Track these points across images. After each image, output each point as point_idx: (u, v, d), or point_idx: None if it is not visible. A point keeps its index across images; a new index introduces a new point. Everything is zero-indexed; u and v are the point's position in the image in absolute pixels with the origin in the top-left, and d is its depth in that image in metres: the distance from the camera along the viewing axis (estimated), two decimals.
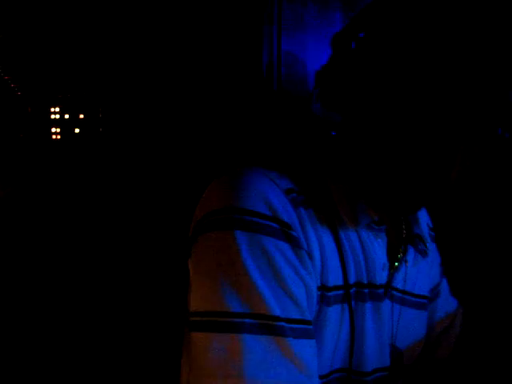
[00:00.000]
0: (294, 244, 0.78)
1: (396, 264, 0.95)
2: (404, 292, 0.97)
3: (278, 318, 0.74)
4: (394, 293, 0.96)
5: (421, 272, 1.01)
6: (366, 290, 0.87)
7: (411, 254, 0.95)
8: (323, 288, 0.82)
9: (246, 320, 0.74)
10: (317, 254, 0.82)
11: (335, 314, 0.83)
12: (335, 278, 0.83)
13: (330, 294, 0.83)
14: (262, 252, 0.76)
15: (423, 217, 1.00)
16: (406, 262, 0.95)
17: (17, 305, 2.78)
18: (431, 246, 1.06)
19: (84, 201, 4.63)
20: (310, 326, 0.79)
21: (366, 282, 0.88)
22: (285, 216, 0.78)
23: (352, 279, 0.86)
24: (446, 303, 1.12)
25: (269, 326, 0.73)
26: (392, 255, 0.96)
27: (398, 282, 0.94)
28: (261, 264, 0.75)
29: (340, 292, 0.84)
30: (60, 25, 6.32)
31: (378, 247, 0.88)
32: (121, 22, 5.09)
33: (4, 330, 2.46)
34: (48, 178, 6.14)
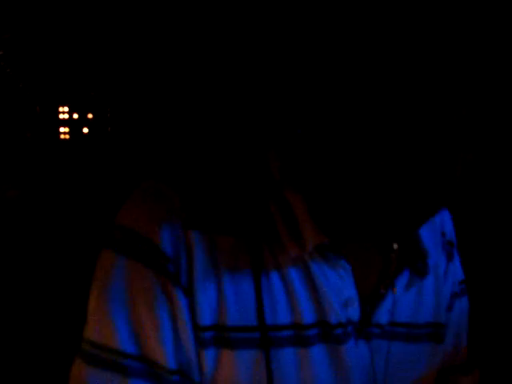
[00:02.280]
0: (166, 278, 0.66)
1: (377, 297, 0.78)
2: (395, 324, 0.78)
3: (127, 355, 0.65)
4: (374, 330, 0.75)
5: (422, 295, 0.82)
6: (312, 332, 0.71)
7: (404, 277, 0.77)
8: (219, 328, 0.68)
9: (93, 350, 0.67)
10: (207, 290, 0.67)
11: (245, 361, 0.68)
12: (244, 318, 0.69)
13: (234, 335, 0.68)
14: (128, 280, 0.68)
15: (433, 224, 0.83)
16: (393, 289, 0.75)
17: (24, 304, 2.77)
18: (440, 259, 0.87)
19: (92, 200, 4.62)
20: (176, 377, 0.67)
21: (310, 322, 0.70)
22: (167, 247, 0.65)
23: (281, 320, 0.69)
24: (449, 343, 0.90)
25: (114, 362, 0.65)
26: (368, 286, 0.76)
27: (381, 317, 0.76)
28: (123, 293, 0.67)
29: (252, 335, 0.69)
30: (69, 25, 6.32)
31: (334, 280, 0.71)
32: (130, 24, 5.08)
33: (6, 329, 2.45)
34: (57, 178, 6.15)
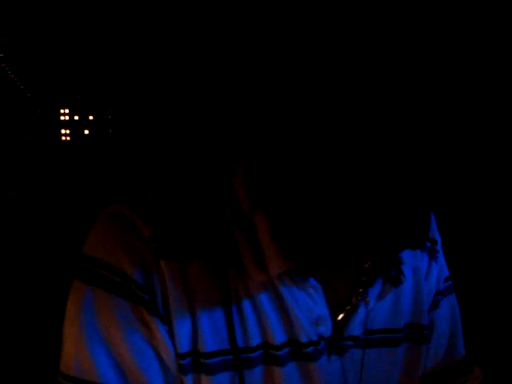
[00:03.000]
0: (139, 306, 0.65)
1: (349, 310, 0.76)
2: (369, 332, 0.77)
3: None
4: (348, 343, 0.74)
5: (399, 301, 0.80)
6: (284, 351, 0.71)
7: (377, 287, 0.75)
8: (196, 354, 0.68)
9: None
10: (181, 317, 0.67)
11: (223, 383, 0.69)
12: (217, 343, 0.69)
13: (209, 361, 0.69)
14: (100, 310, 0.67)
15: None
16: (365, 301, 0.74)
17: (24, 304, 2.79)
18: (420, 261, 0.84)
19: (93, 201, 4.64)
20: None
21: (281, 342, 0.70)
22: (137, 274, 0.65)
23: (252, 341, 0.69)
24: (441, 343, 0.93)
25: None
26: (340, 299, 0.75)
27: (354, 329, 0.75)
28: (98, 325, 0.66)
29: (226, 358, 0.69)
30: (70, 28, 6.33)
31: (304, 300, 0.71)
32: (130, 26, 5.09)
33: (6, 329, 2.47)
34: (58, 179, 6.16)
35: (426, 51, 0.60)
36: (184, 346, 0.66)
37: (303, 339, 0.70)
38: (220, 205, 0.70)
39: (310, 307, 0.70)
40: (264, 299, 0.68)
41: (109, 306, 0.64)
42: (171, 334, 0.65)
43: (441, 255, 0.87)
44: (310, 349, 0.71)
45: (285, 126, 0.61)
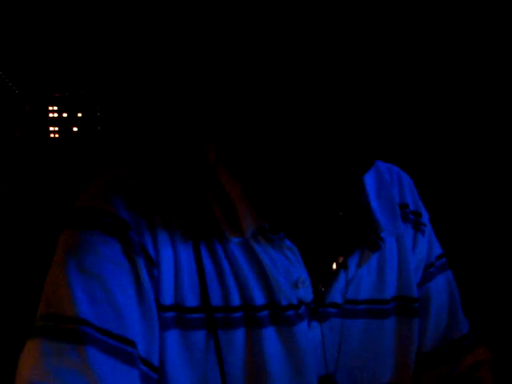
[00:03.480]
0: (127, 245, 0.65)
1: (329, 277, 0.75)
2: (355, 302, 0.77)
3: (85, 322, 0.61)
4: (330, 310, 0.74)
5: (384, 270, 0.80)
6: (263, 313, 0.70)
7: (355, 255, 0.75)
8: (178, 308, 0.68)
9: (48, 323, 0.63)
10: (167, 267, 0.67)
11: (203, 342, 0.68)
12: (196, 299, 0.69)
13: (190, 316, 0.68)
14: (86, 249, 0.65)
15: (387, 197, 0.80)
16: (345, 268, 0.74)
17: (16, 305, 2.78)
18: (403, 231, 0.81)
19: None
20: (132, 350, 0.64)
21: (260, 303, 0.70)
22: (125, 214, 0.66)
23: (232, 301, 0.69)
24: (441, 318, 0.87)
25: (70, 330, 0.61)
26: (320, 266, 0.75)
27: (335, 296, 0.75)
28: (82, 261, 0.64)
29: (200, 315, 0.69)
30: (58, 24, 6.30)
31: (281, 261, 0.71)
32: (119, 22, 5.07)
33: (3, 330, 2.46)
34: (46, 177, 6.13)
35: (418, 49, 0.61)
36: (168, 297, 0.67)
37: (283, 302, 0.70)
38: (195, 173, 0.72)
39: (287, 268, 0.70)
40: (242, 260, 0.69)
41: (96, 244, 0.65)
42: (157, 282, 0.66)
43: (429, 230, 0.87)
44: (290, 312, 0.71)
45: (252, 103, 0.63)
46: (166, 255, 0.69)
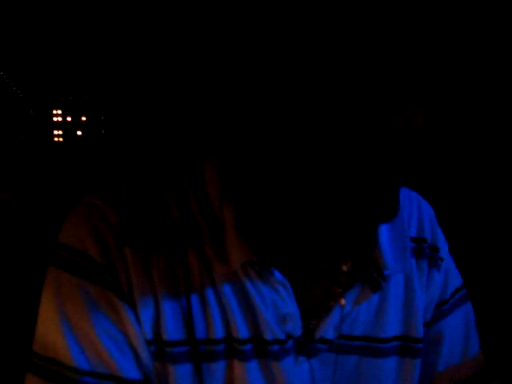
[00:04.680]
0: (107, 289, 0.66)
1: (323, 311, 0.73)
2: (349, 338, 0.75)
3: (79, 372, 0.64)
4: (319, 346, 0.71)
5: (385, 308, 0.76)
6: (247, 347, 0.69)
7: (354, 291, 0.72)
8: (159, 342, 0.68)
9: (50, 366, 0.66)
10: (145, 304, 0.67)
11: (185, 375, 0.68)
12: (178, 333, 0.69)
13: (172, 349, 0.68)
14: (69, 295, 0.66)
15: (398, 231, 0.75)
16: (341, 304, 0.71)
17: (14, 308, 2.78)
18: (412, 269, 0.78)
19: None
20: None
21: (245, 337, 0.68)
22: (101, 256, 0.66)
23: (216, 334, 0.68)
24: (454, 353, 0.83)
25: (67, 378, 0.64)
26: (313, 299, 0.72)
27: (327, 332, 0.72)
28: (67, 308, 0.66)
29: (185, 348, 0.69)
30: (62, 28, 6.31)
31: (270, 296, 0.69)
32: (123, 26, 5.07)
33: (4, 331, 2.45)
34: (50, 181, 6.13)
35: (423, 50, 0.57)
36: (149, 332, 0.67)
37: (268, 336, 0.68)
38: (188, 196, 0.70)
39: (276, 303, 0.68)
40: (228, 291, 0.67)
41: (78, 290, 0.66)
42: (138, 319, 0.66)
43: (446, 264, 0.82)
44: (275, 347, 0.69)
45: (254, 124, 0.59)
46: (143, 293, 0.67)
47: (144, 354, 0.67)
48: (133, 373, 0.66)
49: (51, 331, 0.66)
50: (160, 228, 0.69)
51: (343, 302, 0.71)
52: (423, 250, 0.80)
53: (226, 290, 0.68)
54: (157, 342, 0.67)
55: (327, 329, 0.71)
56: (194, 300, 0.68)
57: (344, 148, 0.54)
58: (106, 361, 0.65)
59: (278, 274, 0.67)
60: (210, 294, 0.68)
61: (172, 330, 0.67)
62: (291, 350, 0.70)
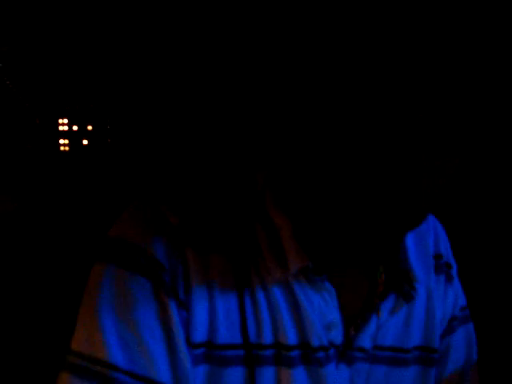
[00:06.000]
0: (158, 287, 0.66)
1: (361, 321, 0.77)
2: (379, 348, 0.79)
3: (115, 368, 0.63)
4: (357, 354, 0.76)
5: (411, 319, 0.83)
6: (294, 353, 0.72)
7: (390, 302, 0.78)
8: (209, 345, 0.69)
9: (80, 361, 0.65)
10: (200, 306, 0.66)
11: (235, 378, 0.70)
12: (231, 336, 0.70)
13: (223, 353, 0.69)
14: (118, 289, 0.66)
15: (423, 247, 0.82)
16: (377, 314, 0.77)
17: (22, 317, 2.76)
18: (433, 283, 0.84)
19: (92, 212, 4.61)
20: None
21: (292, 343, 0.70)
22: (160, 254, 0.64)
23: (265, 339, 0.69)
24: (457, 370, 0.91)
25: (102, 374, 0.63)
26: (353, 310, 0.77)
27: (365, 341, 0.78)
28: (114, 302, 0.65)
29: (238, 352, 0.71)
30: (68, 38, 6.34)
31: (318, 303, 0.72)
32: (132, 36, 5.09)
33: (5, 336, 2.44)
34: (56, 190, 6.14)
35: (430, 52, 0.59)
36: (199, 335, 0.65)
37: (315, 343, 0.70)
38: (243, 203, 0.70)
39: (323, 311, 0.68)
40: (279, 298, 0.68)
41: (128, 284, 0.64)
42: (187, 322, 0.65)
43: (456, 282, 0.87)
44: (320, 354, 0.69)
45: (303, 136, 0.61)
46: (199, 295, 0.68)
47: (183, 356, 0.67)
48: (167, 375, 0.64)
49: (90, 326, 0.63)
50: (219, 231, 0.68)
51: (380, 313, 0.72)
52: (441, 266, 0.85)
53: (278, 296, 0.67)
54: (207, 345, 0.65)
55: (365, 338, 0.71)
56: (247, 304, 0.67)
57: (377, 168, 0.59)
58: (143, 358, 0.63)
59: (327, 282, 0.68)
60: (261, 300, 0.67)
61: (225, 333, 0.65)
62: (333, 357, 0.69)
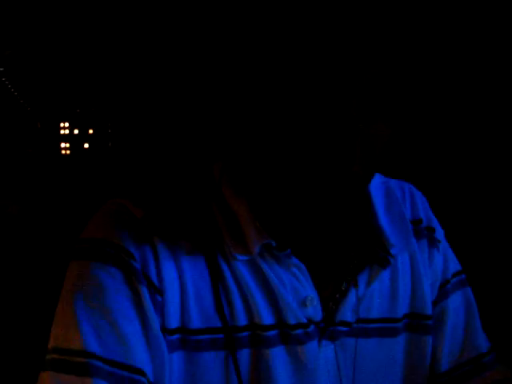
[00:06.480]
0: (129, 274, 0.67)
1: (339, 295, 0.76)
2: (367, 321, 0.77)
3: (93, 356, 0.64)
4: (341, 328, 0.73)
5: (396, 288, 0.80)
6: (272, 333, 0.71)
7: (366, 272, 0.76)
8: (183, 331, 0.69)
9: (57, 356, 0.66)
10: (172, 292, 0.68)
11: (212, 363, 0.70)
12: (206, 320, 0.70)
13: (196, 337, 0.70)
14: (90, 281, 0.67)
15: (398, 214, 0.80)
16: (355, 286, 0.74)
17: (24, 319, 2.78)
18: (415, 247, 0.82)
19: (93, 215, 4.62)
20: (140, 377, 0.67)
21: (268, 322, 0.70)
22: (127, 244, 0.68)
23: (240, 321, 0.70)
24: (456, 336, 0.86)
25: (79, 364, 0.64)
26: (329, 284, 0.75)
27: (346, 314, 0.74)
28: (87, 294, 0.67)
29: (216, 336, 0.70)
30: (70, 42, 6.36)
31: (289, 280, 0.72)
32: (130, 39, 5.11)
33: (6, 344, 2.46)
34: (58, 193, 6.15)
35: (419, 50, 0.62)
36: (173, 321, 0.67)
37: (291, 321, 0.70)
38: (202, 192, 0.73)
39: (295, 286, 0.70)
40: (248, 278, 0.69)
41: (100, 276, 0.66)
42: (161, 307, 0.67)
43: (444, 246, 0.86)
44: (299, 331, 0.70)
45: (251, 118, 0.65)
46: (170, 280, 0.69)
47: (158, 342, 0.67)
48: (144, 361, 0.67)
49: (66, 320, 0.66)
50: (182, 220, 0.72)
51: (357, 284, 0.74)
52: (421, 231, 0.83)
53: (246, 276, 0.70)
54: (182, 331, 0.68)
55: (346, 311, 0.73)
56: (220, 288, 0.69)
57: (320, 149, 0.62)
58: (120, 345, 0.65)
59: (294, 258, 0.70)
60: (231, 282, 0.70)
61: (198, 318, 0.69)
62: (314, 334, 0.72)
